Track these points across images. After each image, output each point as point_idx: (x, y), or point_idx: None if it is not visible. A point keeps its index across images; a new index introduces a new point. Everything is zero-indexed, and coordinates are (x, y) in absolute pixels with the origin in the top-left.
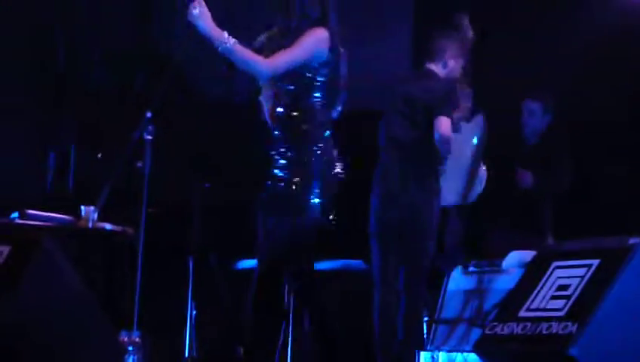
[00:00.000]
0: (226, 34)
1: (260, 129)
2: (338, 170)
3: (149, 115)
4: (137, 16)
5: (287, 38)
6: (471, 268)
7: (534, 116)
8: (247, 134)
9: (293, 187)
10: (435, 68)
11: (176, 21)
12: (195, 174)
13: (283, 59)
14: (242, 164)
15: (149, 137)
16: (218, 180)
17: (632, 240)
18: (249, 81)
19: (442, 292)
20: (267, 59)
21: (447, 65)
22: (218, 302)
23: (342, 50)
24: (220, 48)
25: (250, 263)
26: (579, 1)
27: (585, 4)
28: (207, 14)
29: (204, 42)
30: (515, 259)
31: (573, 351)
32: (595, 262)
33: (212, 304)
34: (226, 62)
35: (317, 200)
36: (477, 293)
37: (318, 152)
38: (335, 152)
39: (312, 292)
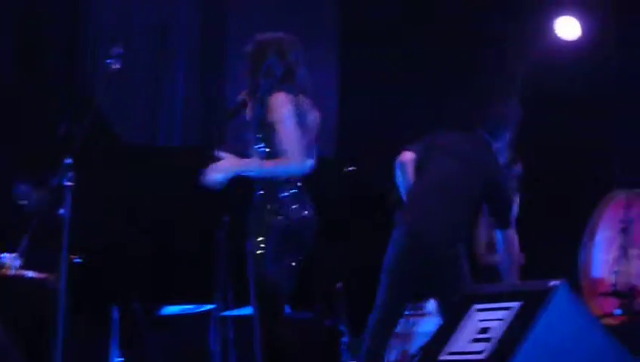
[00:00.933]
0: (248, 161)
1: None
2: (306, 215)
3: (68, 161)
4: (62, 59)
5: (255, 97)
6: None
7: None
8: (170, 179)
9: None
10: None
11: (99, 66)
12: (119, 221)
13: (292, 145)
14: (167, 210)
15: (69, 184)
16: (142, 227)
17: (552, 283)
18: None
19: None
20: (288, 158)
21: (504, 140)
22: (143, 350)
23: (308, 106)
24: (251, 175)
25: (173, 309)
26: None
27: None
28: (225, 162)
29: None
30: None
31: None
32: (516, 304)
33: (137, 351)
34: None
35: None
36: (402, 337)
37: (284, 206)
38: (306, 204)
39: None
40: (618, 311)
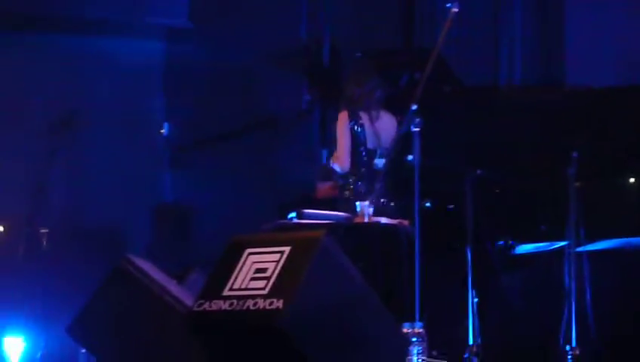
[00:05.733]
0: None
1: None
2: None
3: (414, 107)
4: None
5: None
6: None
7: None
8: (514, 119)
9: None
10: None
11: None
12: (467, 163)
13: None
14: (512, 149)
15: (417, 129)
16: (488, 168)
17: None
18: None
19: None
20: None
21: None
22: (498, 289)
23: None
24: None
25: (527, 248)
26: None
27: None
28: None
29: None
30: None
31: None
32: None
33: (492, 291)
34: None
35: None
36: None
37: None
38: None
39: None
40: None
